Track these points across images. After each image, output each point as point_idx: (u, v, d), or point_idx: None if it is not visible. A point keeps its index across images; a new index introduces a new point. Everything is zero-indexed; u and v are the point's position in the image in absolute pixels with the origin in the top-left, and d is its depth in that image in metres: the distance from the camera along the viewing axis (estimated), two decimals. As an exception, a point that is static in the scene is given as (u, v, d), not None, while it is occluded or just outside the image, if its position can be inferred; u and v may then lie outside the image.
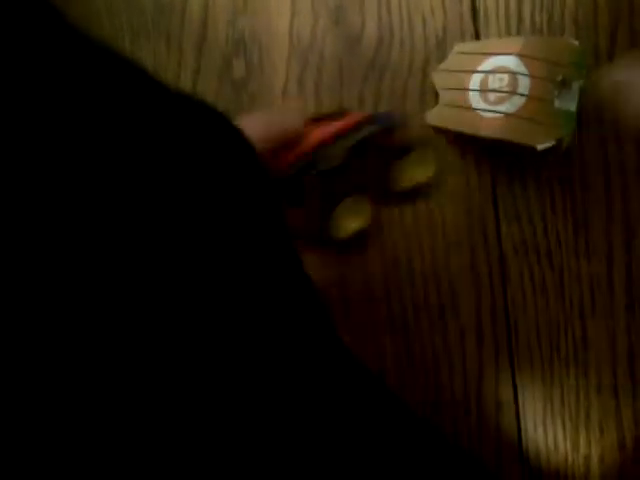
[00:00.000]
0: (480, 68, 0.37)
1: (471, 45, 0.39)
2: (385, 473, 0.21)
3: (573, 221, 0.38)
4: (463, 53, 0.39)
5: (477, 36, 0.40)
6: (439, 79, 0.39)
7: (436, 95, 0.39)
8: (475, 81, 0.37)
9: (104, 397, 0.13)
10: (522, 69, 0.35)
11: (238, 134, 0.20)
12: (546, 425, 0.38)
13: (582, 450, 0.38)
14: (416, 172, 0.38)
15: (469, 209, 0.39)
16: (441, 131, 0.39)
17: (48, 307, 0.13)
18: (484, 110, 0.36)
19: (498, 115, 0.35)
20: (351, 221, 0.37)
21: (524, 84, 0.35)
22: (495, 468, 0.38)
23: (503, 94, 0.35)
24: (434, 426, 0.30)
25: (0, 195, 0.12)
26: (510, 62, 0.36)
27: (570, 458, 0.38)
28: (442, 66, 0.39)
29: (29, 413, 0.12)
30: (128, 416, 0.14)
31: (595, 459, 0.38)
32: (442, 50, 0.40)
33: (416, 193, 0.39)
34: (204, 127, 0.18)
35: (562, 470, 0.37)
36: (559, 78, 0.35)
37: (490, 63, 0.37)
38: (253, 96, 0.41)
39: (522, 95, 0.35)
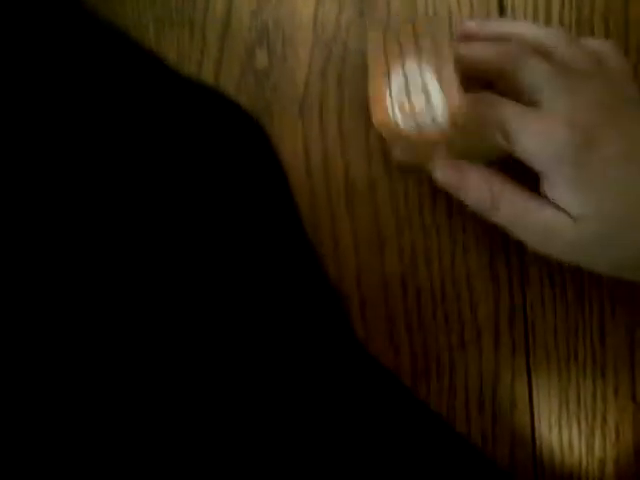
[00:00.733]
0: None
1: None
2: (397, 470, 0.20)
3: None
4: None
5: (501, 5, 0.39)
6: None
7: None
8: None
9: (104, 397, 0.13)
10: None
11: (256, 128, 0.19)
12: (561, 427, 0.38)
13: (597, 453, 0.37)
14: None
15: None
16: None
17: (49, 307, 0.13)
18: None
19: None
20: None
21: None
22: (508, 468, 0.37)
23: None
24: (447, 423, 0.30)
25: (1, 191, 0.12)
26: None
27: (584, 461, 0.37)
28: None
29: (29, 413, 0.12)
30: (128, 416, 0.13)
31: (610, 463, 0.37)
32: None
33: (436, 192, 0.38)
34: (220, 121, 0.18)
35: (576, 472, 0.37)
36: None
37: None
38: (275, 86, 0.40)
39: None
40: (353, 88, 0.40)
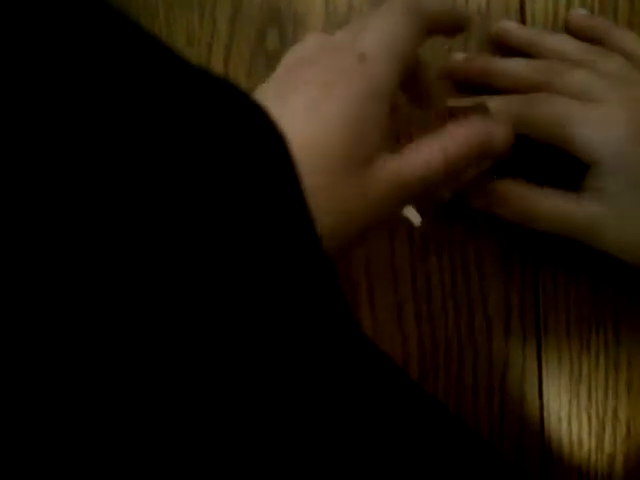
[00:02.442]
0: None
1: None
2: (404, 463, 0.20)
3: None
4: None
5: (522, 12, 0.38)
6: None
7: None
8: None
9: (104, 397, 0.13)
10: None
11: (265, 120, 0.19)
12: (571, 421, 0.37)
13: (607, 449, 0.37)
14: None
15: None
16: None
17: (47, 306, 0.12)
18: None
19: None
20: None
21: None
22: (516, 461, 0.37)
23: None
24: (455, 416, 0.29)
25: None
26: None
27: (594, 456, 0.37)
28: None
29: (27, 413, 0.12)
30: (128, 416, 0.13)
31: (620, 458, 0.37)
32: (484, 27, 0.38)
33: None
34: (228, 110, 0.17)
35: (585, 467, 0.37)
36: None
37: None
38: (286, 70, 0.40)
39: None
40: (365, 72, 0.39)
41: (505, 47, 0.37)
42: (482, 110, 0.34)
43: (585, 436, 0.37)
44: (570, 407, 0.37)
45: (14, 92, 0.13)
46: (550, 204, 0.33)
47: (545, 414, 0.37)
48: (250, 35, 0.40)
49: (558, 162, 0.34)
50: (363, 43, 0.27)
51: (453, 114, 0.36)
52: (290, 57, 0.31)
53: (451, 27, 0.31)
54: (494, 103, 0.34)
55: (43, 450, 0.12)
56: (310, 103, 0.26)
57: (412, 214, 0.37)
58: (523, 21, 0.38)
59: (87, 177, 0.13)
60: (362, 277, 0.38)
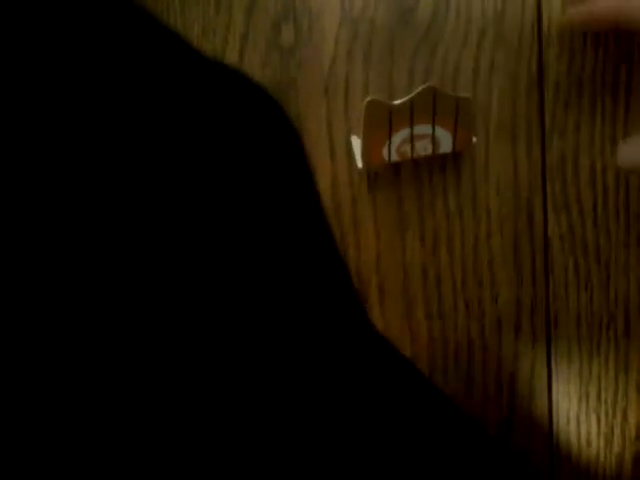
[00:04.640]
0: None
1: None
2: (411, 458, 0.20)
3: (625, 215, 0.36)
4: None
5: (539, 7, 0.38)
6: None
7: (491, 74, 0.37)
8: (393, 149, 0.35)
9: (104, 397, 0.13)
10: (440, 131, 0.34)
11: (278, 110, 0.19)
12: (580, 421, 0.37)
13: (615, 449, 0.37)
14: None
15: (516, 194, 0.37)
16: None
17: (48, 306, 0.12)
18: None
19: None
20: None
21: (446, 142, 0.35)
22: (524, 459, 0.37)
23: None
24: (466, 413, 0.29)
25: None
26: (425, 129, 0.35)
27: (602, 456, 0.37)
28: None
29: (28, 413, 0.12)
30: (128, 416, 0.13)
31: (628, 459, 0.37)
32: (500, 24, 0.38)
33: (460, 172, 0.37)
34: (242, 103, 0.17)
35: (593, 467, 0.37)
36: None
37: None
38: (301, 63, 0.40)
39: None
40: (379, 68, 0.39)
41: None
42: None
43: (594, 436, 0.37)
44: (579, 407, 0.37)
45: (25, 83, 0.13)
46: None
47: (554, 414, 0.37)
48: (265, 28, 0.40)
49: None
50: None
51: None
52: None
53: None
54: None
55: (43, 450, 0.12)
56: None
57: (358, 154, 0.36)
58: (539, 20, 0.38)
59: (100, 160, 0.13)
60: (373, 275, 0.37)
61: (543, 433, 0.37)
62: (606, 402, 0.37)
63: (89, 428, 0.13)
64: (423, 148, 0.35)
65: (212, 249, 0.15)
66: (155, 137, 0.14)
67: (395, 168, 0.38)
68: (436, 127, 0.34)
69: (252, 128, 0.17)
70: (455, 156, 0.37)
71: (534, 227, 0.37)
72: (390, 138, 0.34)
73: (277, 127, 0.18)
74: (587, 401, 0.37)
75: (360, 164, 0.36)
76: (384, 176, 0.38)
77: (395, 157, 0.35)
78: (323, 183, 0.38)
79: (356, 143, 0.37)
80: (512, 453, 0.28)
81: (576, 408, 0.37)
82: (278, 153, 0.18)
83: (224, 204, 0.15)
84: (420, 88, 0.33)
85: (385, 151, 0.35)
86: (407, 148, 0.35)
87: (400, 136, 0.34)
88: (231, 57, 0.40)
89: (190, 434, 0.14)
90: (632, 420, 0.37)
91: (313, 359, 0.17)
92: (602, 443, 0.37)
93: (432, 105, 0.33)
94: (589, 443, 0.37)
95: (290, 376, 0.16)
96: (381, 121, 0.34)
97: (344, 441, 0.17)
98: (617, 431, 0.37)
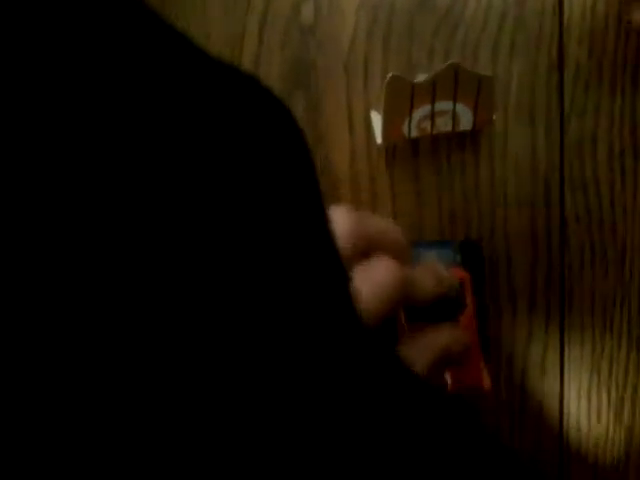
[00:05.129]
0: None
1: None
2: (413, 454, 0.20)
3: (642, 194, 0.37)
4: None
5: (560, 5, 0.38)
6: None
7: (511, 56, 0.38)
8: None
9: (104, 396, 0.13)
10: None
11: (287, 116, 0.19)
12: (590, 396, 0.38)
13: (625, 422, 0.38)
14: None
15: (534, 174, 0.38)
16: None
17: (48, 306, 0.12)
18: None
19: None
20: None
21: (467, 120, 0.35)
22: (534, 433, 0.38)
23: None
24: (466, 408, 0.29)
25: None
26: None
27: (612, 429, 0.38)
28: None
29: (27, 412, 0.12)
30: (128, 415, 0.13)
31: (638, 431, 0.37)
32: (521, 7, 0.38)
33: (479, 152, 0.38)
34: (248, 105, 0.17)
35: (602, 440, 0.38)
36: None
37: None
38: (320, 44, 0.40)
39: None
40: (399, 48, 0.39)
41: None
42: None
43: (604, 410, 0.38)
44: (590, 382, 0.38)
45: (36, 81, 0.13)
46: None
47: (565, 388, 0.38)
48: (285, 8, 0.40)
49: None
50: None
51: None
52: None
53: None
54: None
55: (43, 449, 0.13)
56: None
57: (378, 129, 0.37)
58: (561, 4, 0.38)
59: (105, 159, 0.13)
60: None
61: (554, 406, 0.38)
62: (617, 377, 0.38)
63: (89, 428, 0.13)
64: (443, 124, 0.35)
65: (211, 250, 0.15)
66: (156, 137, 0.14)
67: (414, 145, 0.38)
68: (457, 104, 0.35)
69: (258, 132, 0.17)
70: (474, 135, 0.38)
71: (551, 207, 0.38)
72: (411, 114, 0.35)
73: (283, 134, 0.18)
74: (599, 376, 0.38)
75: (379, 140, 0.37)
76: (403, 153, 0.39)
77: (415, 133, 0.36)
78: (342, 158, 0.39)
79: (376, 119, 0.37)
80: (516, 454, 0.28)
81: (587, 383, 0.38)
82: (283, 158, 0.18)
83: (224, 205, 0.15)
84: (444, 65, 0.34)
85: (405, 127, 0.35)
86: (427, 124, 0.35)
87: (421, 112, 0.35)
88: (250, 38, 0.40)
89: (188, 432, 0.14)
90: (642, 395, 0.37)
91: (303, 358, 0.17)
92: (612, 416, 0.38)
93: (454, 82, 0.34)
94: (599, 416, 0.38)
95: (282, 374, 0.16)
96: (402, 97, 0.34)
97: (338, 439, 0.17)
98: (628, 404, 0.38)
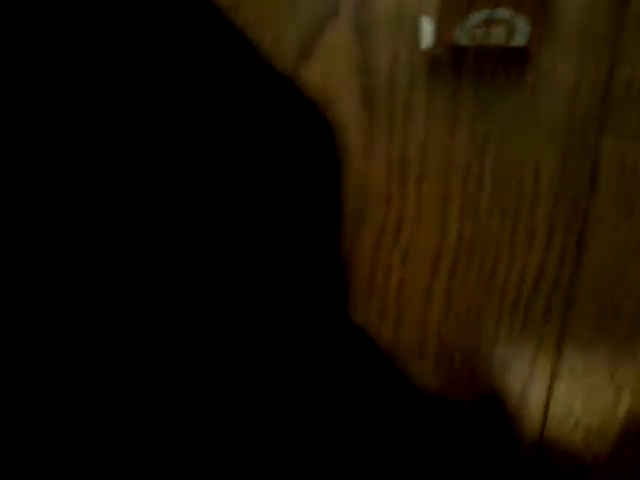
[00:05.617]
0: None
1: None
2: (391, 462, 0.21)
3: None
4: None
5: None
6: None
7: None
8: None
9: (104, 396, 0.13)
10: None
11: (325, 125, 0.19)
12: (589, 347, 0.37)
13: (618, 380, 0.37)
14: None
15: (573, 111, 0.37)
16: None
17: (48, 306, 0.12)
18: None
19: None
20: None
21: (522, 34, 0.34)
22: (526, 376, 0.37)
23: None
24: (444, 407, 0.29)
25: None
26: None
27: (603, 383, 0.37)
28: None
29: (29, 412, 0.12)
30: (128, 415, 0.13)
31: (627, 391, 0.37)
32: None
33: (523, 79, 0.37)
34: (290, 112, 0.18)
35: (593, 395, 0.37)
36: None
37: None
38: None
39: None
40: None
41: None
42: None
43: (600, 364, 0.37)
44: (590, 334, 0.37)
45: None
46: None
47: (567, 336, 0.37)
48: None
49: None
50: None
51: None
52: None
53: None
54: None
55: (43, 449, 0.12)
56: None
57: (427, 32, 0.35)
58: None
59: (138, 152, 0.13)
60: (414, 165, 0.37)
61: (550, 349, 0.37)
62: (620, 333, 0.37)
63: (89, 427, 0.13)
64: (498, 35, 0.34)
65: (210, 251, 0.15)
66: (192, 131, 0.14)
67: (457, 59, 0.37)
68: (517, 15, 0.33)
69: (295, 139, 0.18)
70: (522, 58, 0.36)
71: (586, 148, 0.36)
72: (465, 18, 0.33)
73: (320, 143, 0.19)
74: (599, 330, 0.37)
75: (427, 42, 0.35)
76: (445, 67, 0.37)
77: (466, 40, 0.34)
78: (382, 62, 0.38)
79: (426, 23, 0.36)
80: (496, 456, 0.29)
81: (587, 334, 0.37)
82: (315, 167, 0.18)
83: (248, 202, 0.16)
84: None
85: (457, 32, 0.34)
86: (481, 32, 0.34)
87: (477, 17, 0.34)
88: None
89: (186, 429, 0.14)
90: (642, 353, 0.37)
91: (293, 355, 0.17)
92: (606, 373, 0.37)
93: None
94: (595, 370, 0.37)
95: (274, 370, 0.16)
96: None
97: (327, 436, 0.18)
98: (626, 362, 0.37)
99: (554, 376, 0.37)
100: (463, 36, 0.34)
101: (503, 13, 0.33)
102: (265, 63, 0.18)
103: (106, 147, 0.13)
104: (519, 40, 0.34)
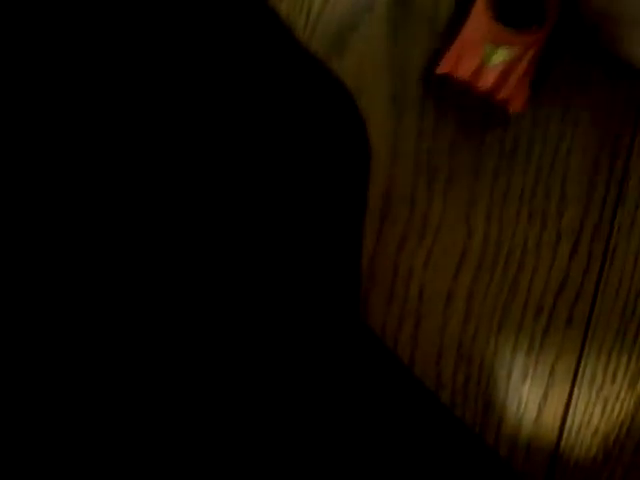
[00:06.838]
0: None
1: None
2: (395, 453, 0.20)
3: None
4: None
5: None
6: None
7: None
8: None
9: (104, 396, 0.13)
10: None
11: (354, 109, 0.19)
12: (611, 355, 0.37)
13: (638, 389, 0.37)
14: None
15: (607, 117, 0.37)
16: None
17: (49, 306, 0.12)
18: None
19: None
20: None
21: None
22: (546, 384, 0.37)
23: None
24: (452, 415, 0.29)
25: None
26: None
27: (623, 394, 0.37)
28: None
29: (30, 411, 0.12)
30: (128, 415, 0.13)
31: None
32: None
33: (558, 87, 0.37)
34: (320, 96, 0.18)
35: (612, 402, 0.37)
36: None
37: None
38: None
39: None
40: None
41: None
42: None
43: (620, 374, 0.37)
44: (614, 343, 0.37)
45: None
46: None
47: (587, 343, 0.37)
48: None
49: None
50: None
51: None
52: None
53: None
54: None
55: (43, 449, 0.12)
56: None
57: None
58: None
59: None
60: (445, 163, 0.37)
61: (570, 359, 0.37)
62: (642, 343, 0.37)
63: (89, 427, 0.13)
64: None
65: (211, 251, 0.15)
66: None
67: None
68: None
69: (327, 126, 0.17)
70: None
71: (618, 156, 0.36)
72: None
73: (351, 132, 0.19)
74: (624, 338, 0.37)
75: None
76: None
77: None
78: (416, 60, 0.37)
79: None
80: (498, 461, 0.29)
81: (610, 343, 0.37)
82: (344, 156, 0.18)
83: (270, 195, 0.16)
84: None
85: None
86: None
87: None
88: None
89: (186, 429, 0.14)
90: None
91: (301, 355, 0.17)
92: (627, 382, 0.37)
93: None
94: (614, 378, 0.37)
95: (279, 370, 0.16)
96: None
97: (333, 436, 0.18)
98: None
99: (574, 384, 0.37)
100: None
101: None
102: (301, 47, 0.18)
103: (122, 139, 0.13)
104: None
